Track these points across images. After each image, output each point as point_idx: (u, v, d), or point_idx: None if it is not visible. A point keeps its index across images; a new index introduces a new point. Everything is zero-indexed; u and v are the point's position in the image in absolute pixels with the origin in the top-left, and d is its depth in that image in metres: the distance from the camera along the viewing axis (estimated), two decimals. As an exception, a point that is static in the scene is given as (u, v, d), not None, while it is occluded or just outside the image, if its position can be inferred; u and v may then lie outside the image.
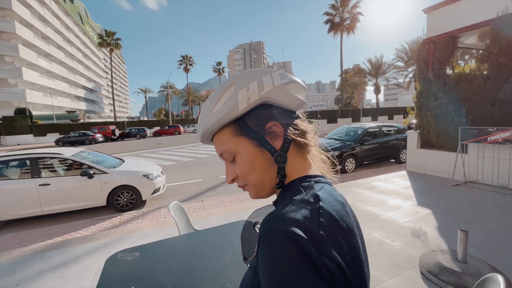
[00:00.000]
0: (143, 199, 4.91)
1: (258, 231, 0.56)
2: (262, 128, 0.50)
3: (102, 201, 4.65)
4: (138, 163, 5.87)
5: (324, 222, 0.41)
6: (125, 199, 4.76)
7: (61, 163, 4.78)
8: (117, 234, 3.53)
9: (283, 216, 0.40)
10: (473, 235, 2.94)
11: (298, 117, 0.55)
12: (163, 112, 72.86)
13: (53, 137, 26.86)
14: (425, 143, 6.28)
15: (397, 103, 42.91)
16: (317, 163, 0.57)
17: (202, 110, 0.53)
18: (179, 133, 30.63)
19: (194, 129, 33.52)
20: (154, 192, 5.01)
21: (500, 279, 0.89)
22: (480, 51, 5.95)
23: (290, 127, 0.51)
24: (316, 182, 0.50)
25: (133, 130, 27.63)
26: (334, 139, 7.97)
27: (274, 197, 0.56)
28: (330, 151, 0.61)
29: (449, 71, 6.03)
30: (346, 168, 7.10)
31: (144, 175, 4.92)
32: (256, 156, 0.50)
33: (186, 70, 56.64)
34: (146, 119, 65.50)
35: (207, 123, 0.51)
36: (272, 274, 0.36)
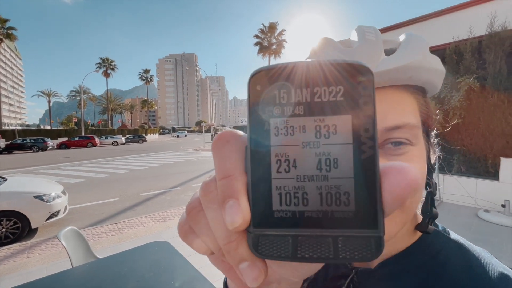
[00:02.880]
0: (33, 227, 3.95)
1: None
2: (430, 132, 0.35)
3: (-35, 235, 3.50)
4: (29, 181, 4.76)
5: None
6: (3, 230, 3.71)
7: None
8: (-16, 278, 2.69)
9: None
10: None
11: None
12: (74, 121, 61.91)
13: None
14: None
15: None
16: None
17: (406, 37, 0.32)
18: (94, 145, 26.45)
19: (114, 141, 29.47)
20: (50, 217, 4.09)
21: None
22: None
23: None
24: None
25: (28, 140, 22.37)
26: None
27: None
28: None
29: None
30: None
31: (36, 197, 3.98)
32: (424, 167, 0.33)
33: (106, 74, 50.47)
34: (49, 127, 54.28)
35: (419, 60, 0.30)
36: None
